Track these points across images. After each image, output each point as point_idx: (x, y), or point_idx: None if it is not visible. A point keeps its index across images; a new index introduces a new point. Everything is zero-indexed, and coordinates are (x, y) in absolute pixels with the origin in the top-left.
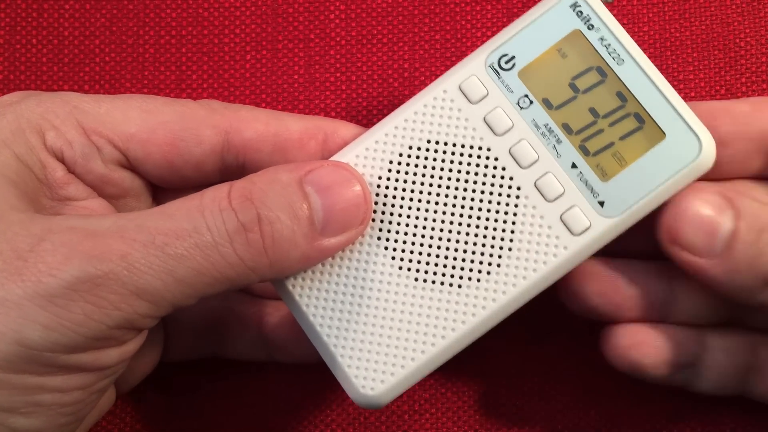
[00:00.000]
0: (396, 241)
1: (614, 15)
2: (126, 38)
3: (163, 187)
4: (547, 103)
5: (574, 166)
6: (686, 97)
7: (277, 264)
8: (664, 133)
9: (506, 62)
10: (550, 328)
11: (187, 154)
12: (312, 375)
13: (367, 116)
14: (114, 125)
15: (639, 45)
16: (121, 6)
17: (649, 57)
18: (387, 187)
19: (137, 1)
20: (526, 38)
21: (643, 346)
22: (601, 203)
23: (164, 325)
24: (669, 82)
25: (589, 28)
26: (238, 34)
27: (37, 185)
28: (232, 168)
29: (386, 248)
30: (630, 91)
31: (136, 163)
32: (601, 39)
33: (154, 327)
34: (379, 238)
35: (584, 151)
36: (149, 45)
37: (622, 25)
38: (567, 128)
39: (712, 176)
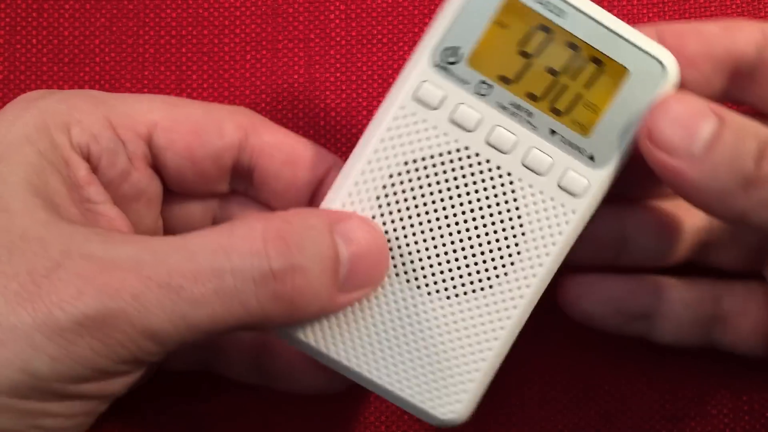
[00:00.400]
0: (414, 270)
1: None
2: (126, 38)
3: (178, 190)
4: (504, 80)
5: (552, 132)
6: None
7: (294, 316)
8: (626, 68)
9: (451, 55)
10: (550, 328)
11: (208, 145)
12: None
13: (367, 116)
14: (140, 115)
15: (629, 25)
16: (121, 6)
17: None
18: (384, 223)
19: (137, 1)
20: (461, 24)
21: (592, 296)
22: (591, 157)
23: None
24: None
25: None
26: (238, 34)
27: (58, 184)
28: (243, 170)
29: (408, 281)
30: (579, 38)
31: (159, 152)
32: None
33: None
34: (397, 275)
35: (556, 113)
36: (149, 45)
37: None
38: (532, 97)
39: None
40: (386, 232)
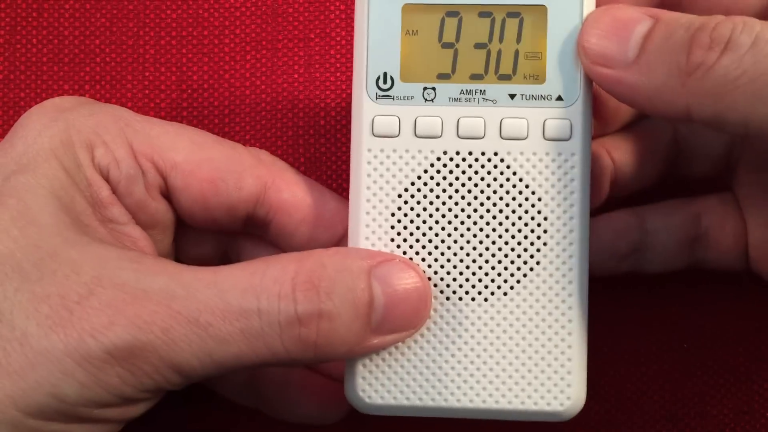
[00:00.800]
0: (449, 286)
1: None
2: (126, 38)
3: (190, 223)
4: (444, 77)
5: (512, 96)
6: None
7: (320, 358)
8: (542, 4)
9: (384, 81)
10: None
11: (224, 196)
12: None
13: None
14: (162, 150)
15: None
16: (121, 6)
17: None
18: (404, 252)
19: (137, 1)
20: (376, 47)
21: None
22: (559, 98)
23: None
24: None
25: None
26: (238, 34)
27: (83, 204)
28: (258, 223)
29: (448, 298)
30: (485, 3)
31: (174, 192)
32: None
33: None
34: (437, 297)
35: (506, 78)
36: (149, 45)
37: None
38: (477, 77)
39: None
40: (410, 258)
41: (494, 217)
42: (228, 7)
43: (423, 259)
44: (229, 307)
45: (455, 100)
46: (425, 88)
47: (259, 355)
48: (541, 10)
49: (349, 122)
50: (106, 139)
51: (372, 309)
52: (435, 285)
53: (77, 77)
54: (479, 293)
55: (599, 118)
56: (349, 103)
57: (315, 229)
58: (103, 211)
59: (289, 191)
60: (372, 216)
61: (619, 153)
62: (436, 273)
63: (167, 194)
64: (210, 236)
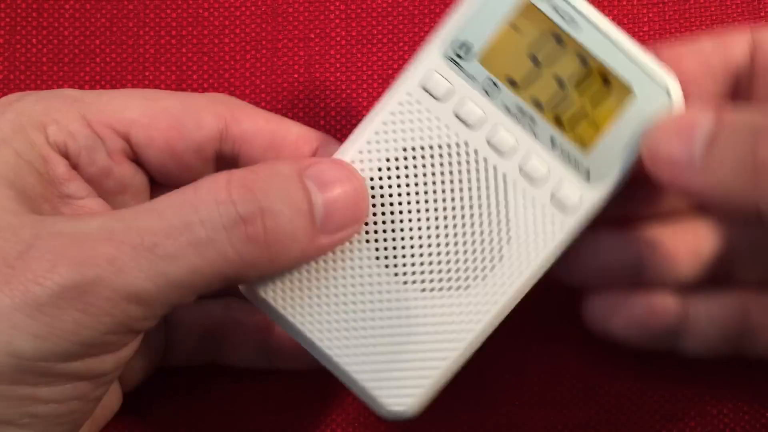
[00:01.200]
0: (395, 257)
1: (608, 12)
2: (126, 38)
3: (163, 182)
4: (512, 83)
5: (553, 142)
6: None
7: (276, 261)
8: (632, 88)
9: (463, 50)
10: (550, 329)
11: (188, 138)
12: (311, 378)
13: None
14: (116, 112)
15: (638, 45)
16: (121, 6)
17: None
18: (374, 205)
19: (137, 1)
20: (477, 21)
21: (618, 316)
22: (587, 174)
23: (165, 330)
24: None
25: None
26: (238, 34)
27: (37, 182)
28: (227, 158)
29: (387, 266)
30: (590, 53)
31: (139, 149)
32: (554, 6)
33: (155, 330)
34: (377, 258)
35: (559, 124)
36: (149, 45)
37: (623, 25)
38: (537, 104)
39: None
40: (374, 214)
41: (464, 226)
42: (228, 7)
43: (383, 219)
44: (170, 225)
45: (507, 109)
46: (490, 81)
47: (213, 264)
48: (628, 92)
49: (349, 122)
50: (56, 116)
51: (312, 205)
52: (378, 249)
53: (77, 77)
54: (412, 276)
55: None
56: (349, 104)
57: (280, 154)
58: (60, 188)
59: (249, 121)
60: (365, 153)
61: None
62: (384, 239)
63: (135, 157)
64: None
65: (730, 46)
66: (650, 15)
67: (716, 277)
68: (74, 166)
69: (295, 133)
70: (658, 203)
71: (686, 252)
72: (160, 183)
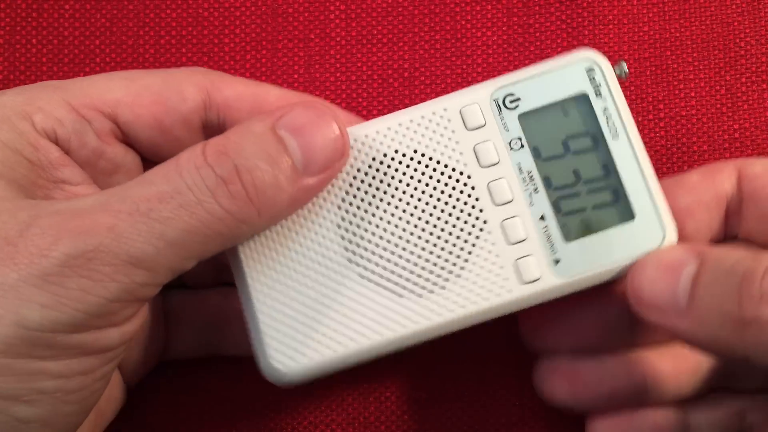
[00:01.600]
0: (354, 234)
1: (608, 12)
2: (126, 38)
3: (156, 159)
4: (536, 152)
5: (542, 218)
6: (686, 97)
7: (266, 211)
8: (634, 215)
9: (511, 102)
10: None
11: (174, 111)
12: None
13: (367, 116)
14: (99, 95)
15: (639, 45)
16: (121, 6)
17: (649, 57)
18: (362, 182)
19: (137, 1)
20: (536, 85)
21: None
22: (556, 261)
23: (166, 323)
24: (668, 84)
25: (596, 95)
26: (238, 34)
27: (28, 170)
28: (213, 126)
29: (342, 237)
30: (616, 167)
31: (127, 128)
32: (605, 109)
33: (156, 323)
34: (338, 226)
35: (557, 207)
36: (149, 45)
37: (622, 25)
38: (547, 181)
39: None
40: (358, 189)
41: (427, 243)
42: (228, 7)
43: (363, 208)
44: (161, 191)
45: (519, 169)
46: (519, 139)
47: (206, 223)
48: (629, 215)
49: (349, 122)
50: (40, 105)
51: (287, 150)
52: (344, 233)
53: (77, 77)
54: (367, 264)
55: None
56: (349, 104)
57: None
58: (55, 173)
59: (230, 88)
60: (385, 133)
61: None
62: (357, 226)
63: (125, 137)
64: None
65: (718, 177)
66: (650, 15)
67: (714, 388)
68: (66, 151)
69: (276, 95)
70: (652, 334)
71: (686, 372)
72: (152, 161)
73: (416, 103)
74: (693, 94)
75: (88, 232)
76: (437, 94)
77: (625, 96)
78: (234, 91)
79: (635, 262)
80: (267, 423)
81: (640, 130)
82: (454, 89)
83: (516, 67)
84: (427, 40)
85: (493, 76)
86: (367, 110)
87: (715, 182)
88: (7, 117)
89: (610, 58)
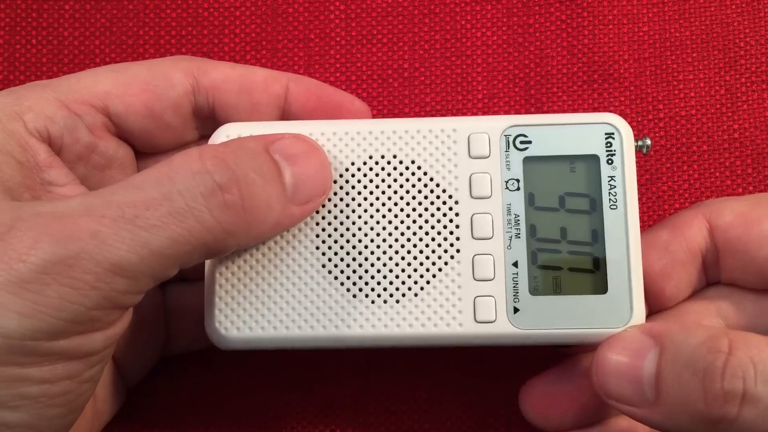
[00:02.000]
0: (330, 224)
1: (608, 12)
2: (126, 38)
3: (149, 150)
4: (530, 198)
5: (515, 264)
6: (686, 98)
7: (253, 228)
8: (607, 291)
9: (521, 142)
10: None
11: (164, 97)
12: (313, 373)
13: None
14: (88, 89)
15: (639, 45)
16: (121, 6)
17: (649, 57)
18: (353, 176)
19: (137, 1)
20: (551, 134)
21: None
22: (515, 310)
23: (165, 319)
24: (668, 84)
25: (608, 162)
26: (238, 34)
27: (16, 172)
28: (204, 111)
29: (317, 224)
30: (604, 237)
31: (119, 120)
32: (612, 177)
33: (156, 320)
34: (317, 212)
35: (533, 258)
36: (149, 45)
37: (622, 25)
38: (532, 230)
39: (658, 307)
40: (347, 181)
41: (402, 258)
42: (228, 7)
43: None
44: (149, 197)
45: (508, 209)
46: (517, 182)
47: (194, 233)
48: (602, 288)
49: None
50: (30, 104)
51: (281, 175)
52: (317, 221)
53: (65, 75)
54: (332, 257)
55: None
56: None
57: (253, 94)
58: (42, 175)
59: (216, 71)
60: (378, 135)
61: None
62: (329, 223)
63: (117, 130)
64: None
65: (687, 232)
66: (650, 15)
67: None
68: (59, 148)
69: (262, 74)
70: None
71: None
72: (144, 152)
73: (416, 103)
74: (693, 94)
75: (69, 237)
76: (437, 94)
77: (626, 96)
78: (221, 73)
79: (594, 358)
80: (267, 423)
81: (640, 130)
82: (453, 89)
83: (516, 67)
84: (427, 40)
85: (493, 75)
86: None
87: (686, 238)
88: None
89: (636, 131)
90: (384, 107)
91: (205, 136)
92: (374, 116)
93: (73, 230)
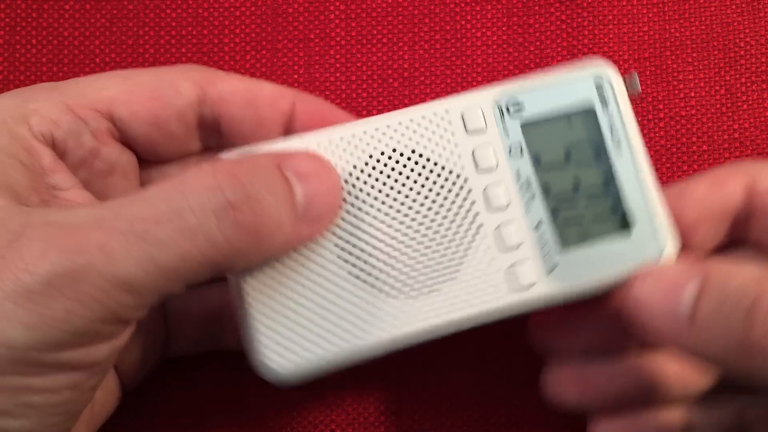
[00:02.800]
0: (350, 234)
1: (608, 12)
2: (126, 38)
3: (151, 158)
4: (536, 160)
5: (538, 225)
6: (686, 97)
7: (262, 247)
8: (633, 227)
9: (514, 108)
10: None
11: (169, 106)
12: None
13: (367, 116)
14: (95, 94)
15: (639, 45)
16: (121, 6)
17: (649, 57)
18: (358, 179)
19: (137, 1)
20: (542, 94)
21: None
22: (551, 269)
23: (166, 321)
24: (668, 84)
25: (603, 108)
26: (238, 34)
27: (23, 176)
28: (209, 122)
29: (335, 234)
30: (617, 179)
31: (123, 126)
32: (610, 122)
33: (155, 323)
34: (333, 233)
35: (554, 215)
36: (149, 45)
37: (622, 25)
38: (546, 189)
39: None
40: (353, 186)
41: (428, 248)
42: (228, 7)
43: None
44: (159, 211)
45: (518, 176)
46: (519, 146)
47: (202, 250)
48: (628, 227)
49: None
50: (36, 107)
51: (293, 194)
52: (336, 230)
53: (72, 78)
54: (358, 262)
55: None
56: (349, 104)
57: (259, 109)
58: (46, 179)
59: (224, 83)
60: (383, 131)
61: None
62: (349, 224)
63: (121, 136)
64: (174, 169)
65: (725, 188)
66: (650, 15)
67: (716, 387)
68: (62, 152)
69: (269, 89)
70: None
71: (693, 373)
72: (147, 160)
73: (416, 103)
74: (693, 94)
75: (77, 250)
76: (437, 94)
77: (632, 105)
78: (228, 85)
79: (634, 278)
80: (267, 423)
81: (640, 130)
82: (453, 89)
83: (516, 67)
84: (427, 40)
85: (493, 76)
86: (367, 110)
87: (723, 194)
88: (3, 120)
89: (621, 70)
90: (384, 107)
91: (208, 148)
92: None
93: (81, 243)
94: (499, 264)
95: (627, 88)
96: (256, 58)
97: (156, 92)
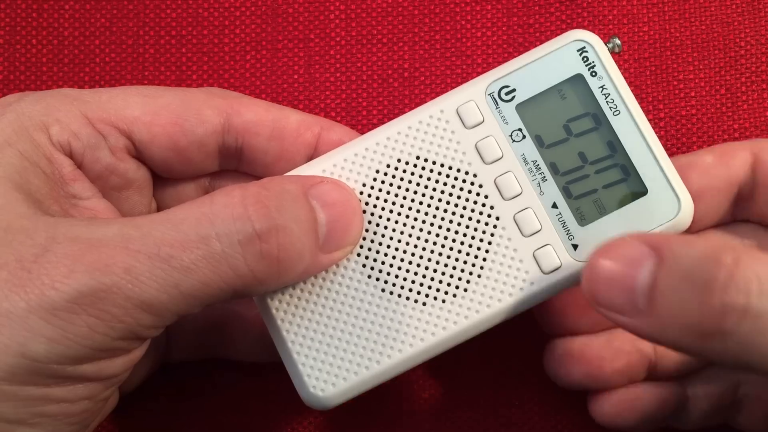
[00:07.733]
0: (370, 249)
1: (608, 12)
2: (126, 38)
3: (167, 176)
4: (539, 141)
5: (554, 206)
6: (686, 97)
7: (283, 276)
8: (647, 189)
9: (506, 94)
10: None
11: (190, 134)
12: None
13: (367, 116)
14: (117, 111)
15: (639, 45)
16: (121, 6)
17: (649, 57)
18: (369, 196)
19: (137, 1)
20: (529, 74)
21: (627, 412)
22: (575, 246)
23: (166, 327)
24: (668, 84)
25: (592, 75)
26: (238, 34)
27: (43, 184)
28: (231, 150)
29: (359, 254)
30: (621, 143)
31: (142, 146)
32: (602, 87)
33: None
34: (358, 254)
35: (567, 193)
36: (149, 45)
37: (622, 25)
38: (554, 168)
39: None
40: (366, 204)
41: (443, 248)
42: (228, 7)
43: (369, 219)
44: (186, 237)
45: (524, 160)
46: (520, 129)
47: (225, 278)
48: (642, 190)
49: (349, 122)
50: (58, 116)
51: (317, 225)
52: (360, 250)
53: (77, 77)
54: (386, 277)
55: None
56: (349, 104)
57: (284, 141)
58: (66, 188)
59: (250, 112)
60: (385, 144)
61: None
62: (371, 248)
63: (138, 154)
64: (189, 185)
65: (732, 162)
66: (650, 15)
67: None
68: (79, 164)
69: (295, 120)
70: None
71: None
72: (162, 177)
73: (416, 103)
74: (693, 94)
75: (103, 270)
76: (437, 94)
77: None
78: (254, 115)
79: (588, 260)
80: (267, 423)
81: None
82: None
83: None
84: (427, 40)
85: None
86: (367, 110)
87: (729, 166)
88: (25, 127)
89: (602, 34)
90: (384, 107)
91: (226, 170)
92: (374, 116)
93: (107, 263)
94: (523, 251)
95: (610, 50)
96: (256, 58)
97: (179, 118)
